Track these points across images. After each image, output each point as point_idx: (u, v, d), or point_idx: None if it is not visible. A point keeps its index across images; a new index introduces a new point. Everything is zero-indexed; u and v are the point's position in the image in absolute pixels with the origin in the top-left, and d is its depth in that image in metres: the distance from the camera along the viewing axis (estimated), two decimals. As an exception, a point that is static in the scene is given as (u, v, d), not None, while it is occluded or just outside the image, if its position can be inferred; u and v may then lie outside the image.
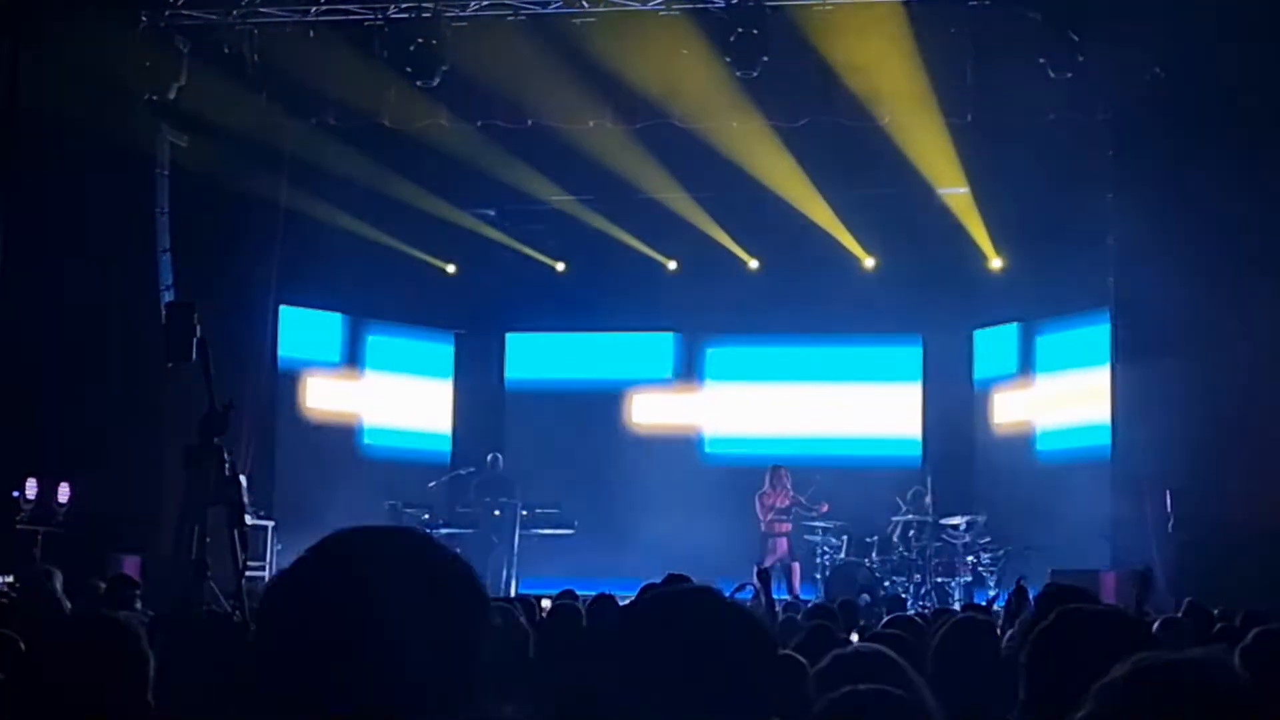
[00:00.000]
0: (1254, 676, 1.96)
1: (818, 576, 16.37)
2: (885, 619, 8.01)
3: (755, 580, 10.32)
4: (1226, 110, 14.19)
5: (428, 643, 1.87)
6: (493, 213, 18.60)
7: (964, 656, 4.87)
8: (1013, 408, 18.70)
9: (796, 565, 16.59)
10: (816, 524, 16.63)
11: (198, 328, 6.29)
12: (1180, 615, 7.94)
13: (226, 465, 6.28)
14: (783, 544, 16.65)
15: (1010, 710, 3.37)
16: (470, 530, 17.09)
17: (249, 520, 10.38)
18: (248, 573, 8.18)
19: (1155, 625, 7.10)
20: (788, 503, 16.83)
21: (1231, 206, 13.82)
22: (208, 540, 7.29)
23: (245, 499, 6.50)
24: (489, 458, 17.96)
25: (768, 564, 16.31)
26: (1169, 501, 14.47)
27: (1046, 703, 3.13)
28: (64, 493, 13.83)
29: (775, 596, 11.48)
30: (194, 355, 6.37)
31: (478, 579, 1.99)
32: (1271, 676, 4.02)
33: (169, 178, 15.58)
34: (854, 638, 7.07)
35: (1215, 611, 8.39)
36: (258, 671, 1.94)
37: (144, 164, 15.33)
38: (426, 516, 16.98)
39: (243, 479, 6.48)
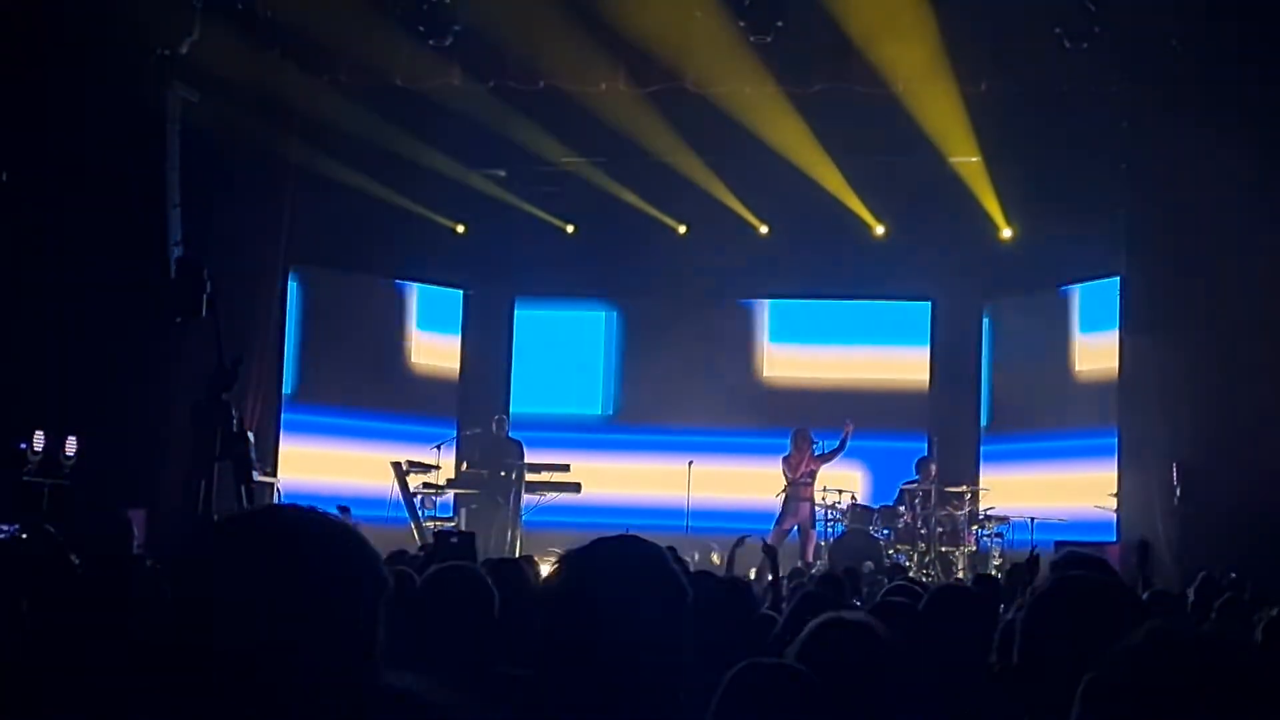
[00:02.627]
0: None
1: (822, 544, 16.36)
2: (887, 586, 8.01)
3: (763, 554, 10.30)
4: (1243, 83, 14.11)
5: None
6: (503, 173, 18.54)
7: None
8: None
9: (814, 533, 16.45)
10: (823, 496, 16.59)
11: (208, 284, 6.26)
12: (1191, 591, 7.94)
13: (234, 421, 6.26)
14: (805, 508, 16.44)
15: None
16: (476, 491, 17.14)
17: (255, 477, 10.39)
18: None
19: (1144, 599, 7.11)
20: (814, 466, 16.66)
21: (1246, 180, 13.76)
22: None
23: (252, 455, 6.48)
24: (494, 419, 17.97)
25: (787, 526, 16.29)
26: (1176, 474, 14.47)
27: (1041, 665, 3.15)
28: (71, 446, 13.84)
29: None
30: (203, 311, 6.34)
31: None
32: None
33: (180, 133, 15.53)
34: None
35: (1224, 581, 8.40)
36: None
37: (155, 119, 15.26)
38: (430, 476, 17.02)
39: (250, 435, 6.45)
